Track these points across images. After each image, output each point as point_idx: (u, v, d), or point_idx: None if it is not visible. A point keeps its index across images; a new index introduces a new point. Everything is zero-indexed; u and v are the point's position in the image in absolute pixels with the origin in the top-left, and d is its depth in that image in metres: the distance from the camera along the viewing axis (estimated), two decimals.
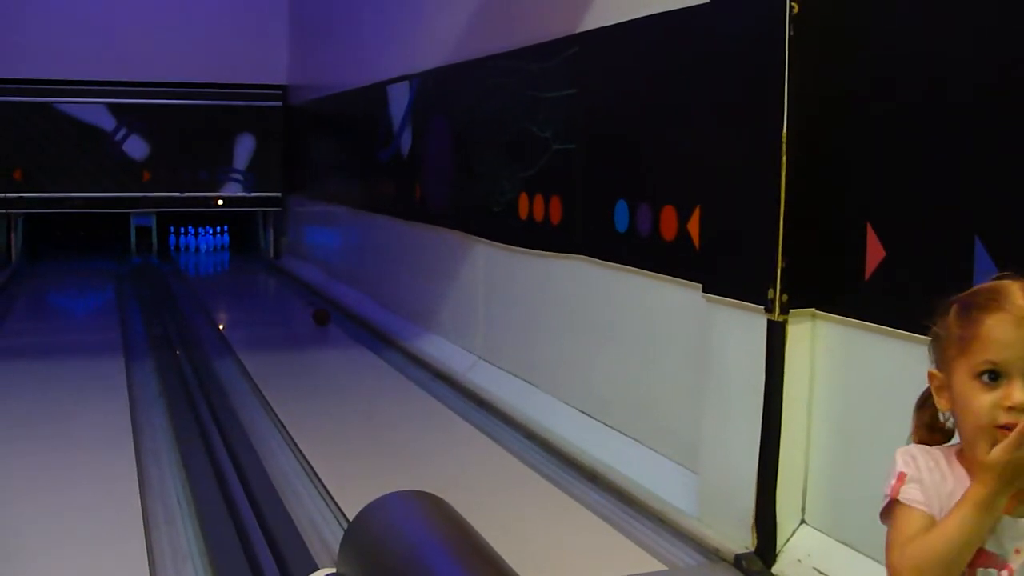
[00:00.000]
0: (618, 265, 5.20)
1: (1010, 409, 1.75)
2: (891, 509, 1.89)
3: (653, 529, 4.36)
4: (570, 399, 5.74)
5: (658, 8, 4.77)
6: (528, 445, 5.57)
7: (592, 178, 5.46)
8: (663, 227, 4.78)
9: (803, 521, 3.86)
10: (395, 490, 2.70)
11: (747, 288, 3.94)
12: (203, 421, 5.97)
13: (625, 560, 4.07)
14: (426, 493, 2.59)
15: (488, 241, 6.87)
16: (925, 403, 2.01)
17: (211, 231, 15.47)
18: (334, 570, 2.45)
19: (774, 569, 3.82)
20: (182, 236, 15.32)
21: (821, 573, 3.66)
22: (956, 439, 1.92)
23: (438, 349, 7.60)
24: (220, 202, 14.24)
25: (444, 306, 7.81)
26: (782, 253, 3.72)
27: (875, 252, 3.47)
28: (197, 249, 15.38)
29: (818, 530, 3.81)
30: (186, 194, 14.02)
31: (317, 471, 5.03)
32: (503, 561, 2.25)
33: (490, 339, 6.94)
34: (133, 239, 14.73)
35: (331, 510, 4.52)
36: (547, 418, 5.73)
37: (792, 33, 3.66)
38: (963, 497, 1.79)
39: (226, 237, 15.54)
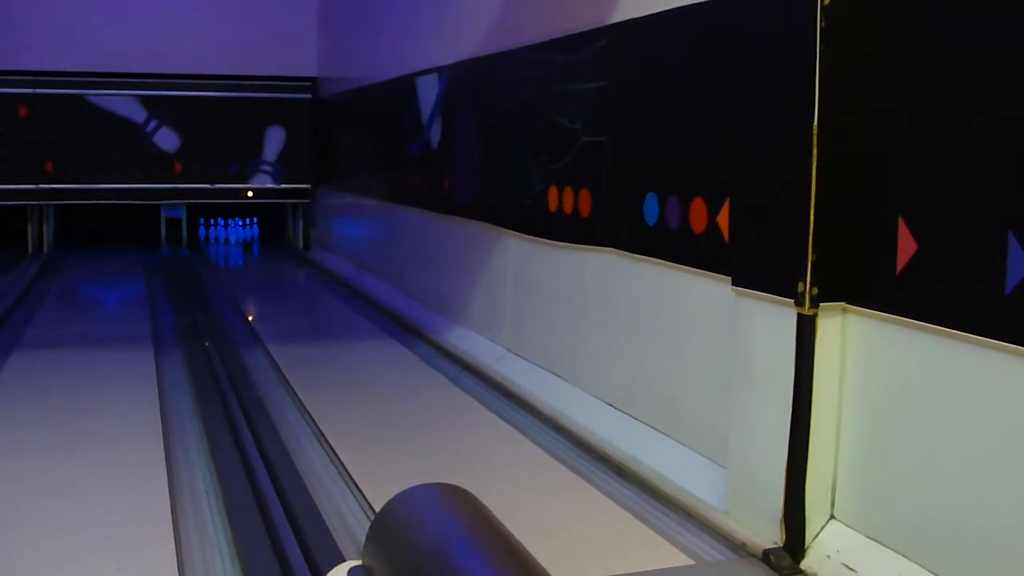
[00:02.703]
0: (647, 258, 5.18)
1: None
2: None
3: (680, 523, 4.35)
4: (598, 392, 5.72)
5: (687, 0, 4.74)
6: (555, 438, 5.56)
7: (621, 170, 5.44)
8: (692, 220, 4.75)
9: (832, 516, 3.83)
10: (422, 482, 2.69)
11: (777, 281, 3.91)
12: (231, 412, 5.99)
13: (652, 554, 4.05)
14: (452, 485, 2.59)
15: (517, 234, 6.85)
16: None
17: (241, 223, 15.53)
18: (359, 562, 2.44)
19: (803, 564, 3.80)
20: (212, 228, 15.40)
21: (850, 569, 3.63)
22: None
23: (466, 341, 7.60)
24: (250, 194, 14.28)
25: (472, 298, 7.81)
26: (812, 246, 3.69)
27: (907, 246, 3.43)
28: (227, 241, 15.45)
29: (847, 526, 3.78)
30: (216, 186, 14.07)
31: (344, 462, 5.04)
32: (529, 554, 2.24)
33: (518, 331, 6.93)
34: (163, 231, 14.82)
35: (358, 502, 4.53)
36: (575, 411, 5.72)
37: (824, 24, 3.62)
38: None
39: (255, 229, 15.60)
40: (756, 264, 4.12)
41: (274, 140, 14.24)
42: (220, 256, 14.58)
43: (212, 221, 15.35)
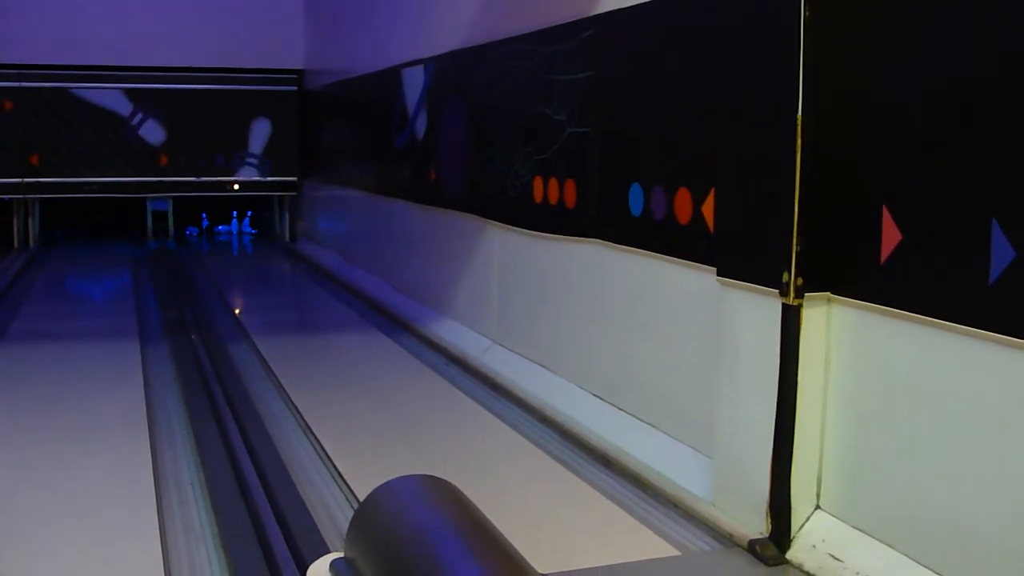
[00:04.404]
0: (633, 249, 5.18)
1: None
2: None
3: (667, 514, 4.34)
4: (584, 383, 5.72)
5: None
6: (542, 429, 5.56)
7: (607, 161, 5.43)
8: (677, 210, 4.75)
9: (818, 507, 3.83)
10: (407, 474, 2.68)
11: (762, 271, 3.90)
12: (217, 405, 5.98)
13: (638, 545, 4.05)
14: (434, 477, 2.58)
15: (503, 225, 6.84)
16: None
17: (236, 215, 15.49)
18: (341, 554, 2.43)
19: (788, 555, 3.80)
20: (192, 226, 15.36)
21: (836, 559, 3.63)
22: None
23: (452, 333, 7.59)
24: (236, 187, 14.25)
25: (459, 290, 7.80)
26: (797, 236, 3.69)
27: (891, 235, 3.43)
28: (224, 232, 15.43)
29: (833, 516, 3.78)
30: (202, 179, 14.03)
31: (330, 455, 5.03)
32: (511, 545, 2.23)
33: (504, 323, 6.93)
34: (149, 224, 14.77)
35: (344, 494, 4.52)
36: (561, 402, 5.71)
37: (807, 13, 3.62)
38: None
39: (237, 223, 15.54)
40: (741, 254, 4.11)
41: (260, 133, 14.20)
42: (207, 249, 14.54)
43: (204, 214, 15.33)
